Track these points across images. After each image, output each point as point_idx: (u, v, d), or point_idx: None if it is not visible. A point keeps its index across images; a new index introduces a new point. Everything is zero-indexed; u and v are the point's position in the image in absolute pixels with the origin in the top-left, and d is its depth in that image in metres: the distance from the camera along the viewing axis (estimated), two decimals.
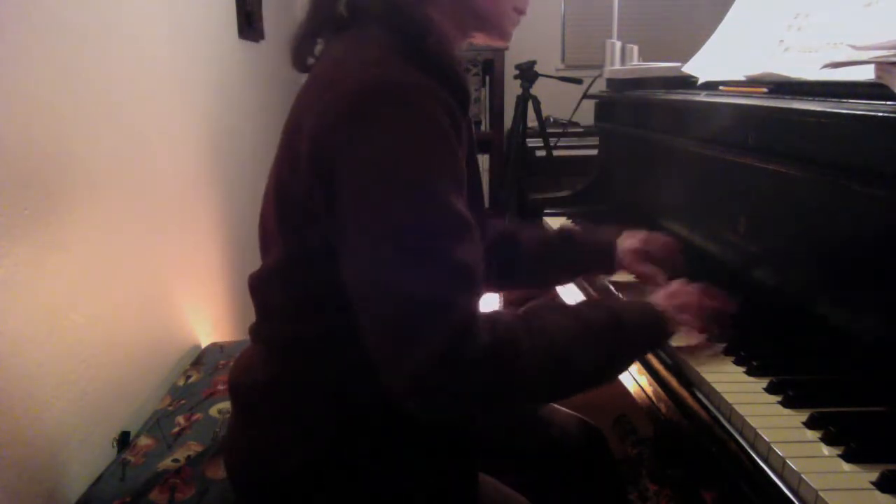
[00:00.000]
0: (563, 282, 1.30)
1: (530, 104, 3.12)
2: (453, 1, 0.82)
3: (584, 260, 1.13)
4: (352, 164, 0.68)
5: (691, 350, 0.88)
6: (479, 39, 0.89)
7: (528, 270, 1.13)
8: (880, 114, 0.77)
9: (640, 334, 0.82)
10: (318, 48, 0.85)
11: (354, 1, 0.80)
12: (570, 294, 1.32)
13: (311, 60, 0.85)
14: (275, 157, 0.82)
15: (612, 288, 1.17)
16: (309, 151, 0.72)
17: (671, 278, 0.98)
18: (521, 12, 0.87)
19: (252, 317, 0.91)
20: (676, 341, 0.88)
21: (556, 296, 1.40)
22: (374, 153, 0.67)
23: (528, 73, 3.06)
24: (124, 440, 1.27)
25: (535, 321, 0.73)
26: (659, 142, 1.41)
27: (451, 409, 0.71)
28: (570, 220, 1.63)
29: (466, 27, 0.86)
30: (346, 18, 0.80)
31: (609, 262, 1.10)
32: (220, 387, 1.40)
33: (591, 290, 1.25)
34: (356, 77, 0.71)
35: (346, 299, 0.74)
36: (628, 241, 1.09)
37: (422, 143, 0.68)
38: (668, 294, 0.88)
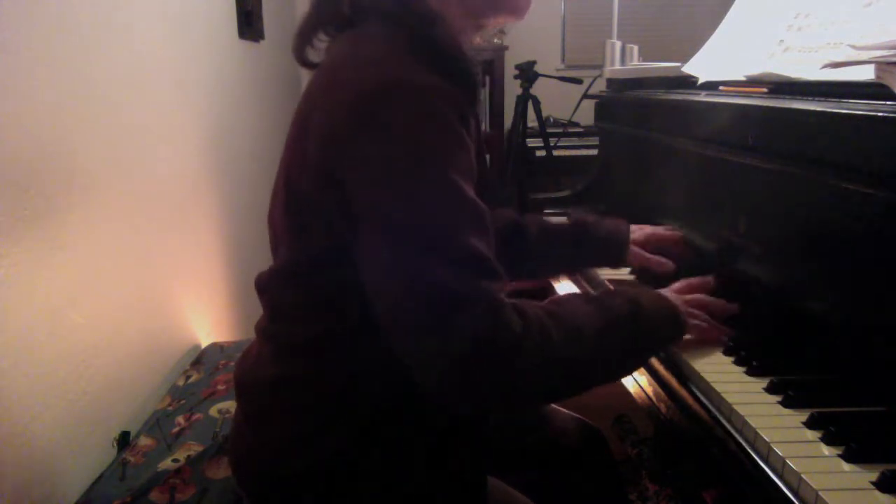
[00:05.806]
0: (567, 274, 1.30)
1: (530, 104, 3.12)
2: None
3: (595, 253, 1.14)
4: (364, 163, 0.68)
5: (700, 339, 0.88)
6: (496, 22, 0.87)
7: (536, 262, 1.13)
8: (880, 114, 0.77)
9: (659, 329, 0.83)
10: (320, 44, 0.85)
11: None
12: (564, 288, 1.31)
13: (313, 57, 0.84)
14: (282, 158, 0.81)
15: (606, 282, 1.18)
16: (319, 152, 0.72)
17: (678, 269, 1.06)
18: None
19: (253, 316, 0.91)
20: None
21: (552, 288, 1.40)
22: (385, 151, 0.68)
23: (528, 73, 3.06)
24: (124, 440, 1.27)
25: (560, 310, 0.73)
26: (659, 142, 1.41)
27: (486, 401, 0.71)
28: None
29: (476, 13, 0.84)
30: (349, 15, 0.80)
31: (619, 255, 1.12)
32: (220, 387, 1.41)
33: (585, 285, 1.25)
34: (362, 76, 0.71)
35: (355, 299, 0.74)
36: (636, 234, 1.13)
37: (432, 137, 0.68)
38: (678, 289, 0.92)
